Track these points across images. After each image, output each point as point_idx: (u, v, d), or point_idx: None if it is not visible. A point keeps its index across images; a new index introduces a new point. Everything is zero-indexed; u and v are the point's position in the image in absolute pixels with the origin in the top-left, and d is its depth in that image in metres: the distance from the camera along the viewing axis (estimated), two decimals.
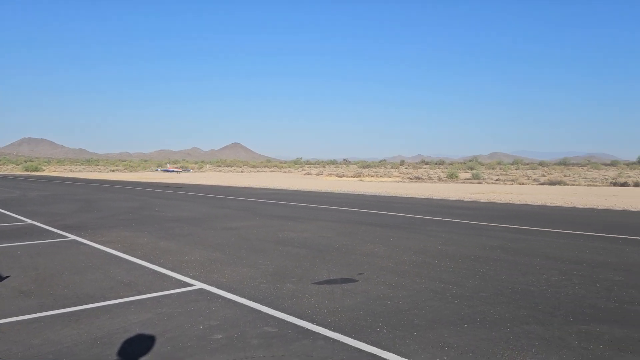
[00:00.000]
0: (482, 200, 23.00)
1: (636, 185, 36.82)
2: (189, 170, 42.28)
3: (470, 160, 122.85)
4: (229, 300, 6.09)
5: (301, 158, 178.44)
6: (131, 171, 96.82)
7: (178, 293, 6.44)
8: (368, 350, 4.44)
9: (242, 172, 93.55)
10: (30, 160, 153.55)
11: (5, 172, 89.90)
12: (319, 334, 4.88)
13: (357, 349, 4.49)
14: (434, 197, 25.24)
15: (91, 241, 10.73)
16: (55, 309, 5.70)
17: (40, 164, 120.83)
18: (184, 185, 40.04)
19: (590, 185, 38.82)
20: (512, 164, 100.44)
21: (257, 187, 36.93)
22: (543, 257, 8.78)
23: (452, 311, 5.62)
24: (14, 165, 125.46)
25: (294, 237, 11.21)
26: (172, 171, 31.55)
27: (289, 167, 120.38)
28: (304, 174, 75.06)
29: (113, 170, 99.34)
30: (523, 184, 42.09)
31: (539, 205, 20.25)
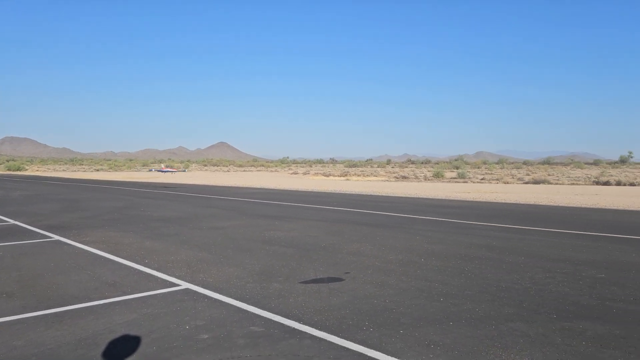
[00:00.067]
0: (467, 199, 23.18)
1: (618, 184, 37.41)
2: (184, 171, 41.97)
3: (456, 160, 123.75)
4: (215, 300, 6.07)
5: (288, 157, 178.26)
6: (116, 171, 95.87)
7: (164, 293, 6.40)
8: (355, 349, 4.45)
9: (228, 171, 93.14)
10: (13, 160, 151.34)
11: None
12: (305, 333, 4.88)
13: (344, 347, 4.50)
14: (420, 196, 25.38)
15: (75, 241, 10.61)
16: (39, 310, 5.63)
17: (23, 164, 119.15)
18: (170, 184, 39.76)
19: (573, 184, 39.34)
20: (497, 163, 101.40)
21: (244, 186, 36.82)
22: (527, 256, 8.88)
23: (438, 309, 5.66)
24: None
25: (280, 237, 11.19)
26: (167, 171, 31.22)
27: (276, 166, 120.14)
28: (291, 174, 75.00)
29: (97, 170, 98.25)
30: (508, 183, 42.52)
31: (524, 204, 20.47)
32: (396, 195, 26.62)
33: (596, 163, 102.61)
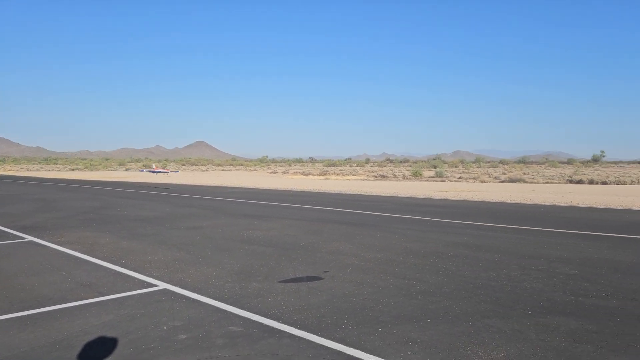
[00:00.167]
0: (445, 198, 23.44)
1: (591, 182, 38.26)
2: (177, 171, 41.33)
3: (434, 159, 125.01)
4: (194, 300, 6.03)
5: (267, 156, 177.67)
6: (92, 170, 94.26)
7: (141, 294, 6.32)
8: (334, 348, 4.47)
9: (207, 170, 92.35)
10: None
11: None
12: (284, 332, 4.88)
13: (323, 346, 4.51)
14: (399, 195, 25.56)
15: (50, 242, 10.41)
16: (12, 313, 5.52)
17: None
18: (147, 184, 39.28)
19: (548, 182, 40.09)
20: (474, 163, 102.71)
21: (223, 185, 36.58)
22: (504, 253, 9.03)
23: (416, 307, 5.71)
24: None
25: (259, 236, 11.16)
26: (159, 172, 30.69)
27: (255, 165, 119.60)
28: (270, 173, 74.78)
29: (73, 170, 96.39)
30: (484, 181, 43.11)
31: (500, 203, 20.79)
32: (375, 194, 26.77)
33: (570, 162, 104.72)
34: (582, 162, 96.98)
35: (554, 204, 20.04)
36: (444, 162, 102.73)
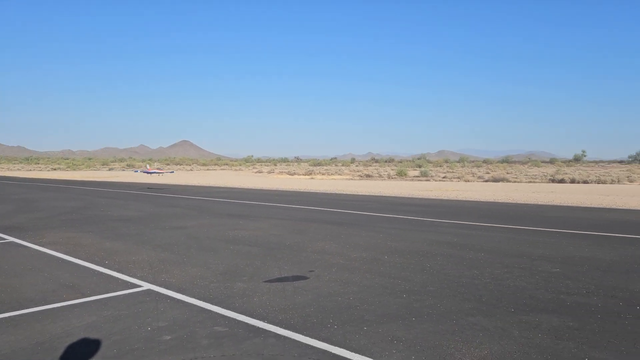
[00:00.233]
0: (430, 197, 23.60)
1: (572, 181, 38.82)
2: (172, 172, 40.70)
3: (418, 158, 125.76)
4: (178, 300, 5.99)
5: (252, 156, 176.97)
6: (75, 170, 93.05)
7: (125, 294, 6.27)
8: (319, 347, 4.48)
9: (191, 170, 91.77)
10: None
11: None
12: (270, 332, 4.88)
13: (309, 345, 4.52)
14: (384, 195, 25.67)
15: (31, 243, 10.26)
16: None
17: None
18: (129, 183, 38.89)
19: (530, 182, 40.57)
20: (458, 162, 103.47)
21: (207, 185, 36.38)
22: (487, 252, 9.12)
23: (401, 306, 5.75)
24: None
25: (245, 236, 11.13)
26: (154, 172, 30.16)
27: (240, 165, 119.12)
28: (255, 172, 74.53)
29: (55, 169, 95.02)
30: (468, 181, 43.49)
31: (484, 202, 21.00)
32: (360, 193, 26.85)
33: (552, 161, 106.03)
34: (564, 162, 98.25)
35: (536, 203, 20.30)
36: (429, 162, 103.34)
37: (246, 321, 5.19)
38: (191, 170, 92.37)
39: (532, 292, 6.34)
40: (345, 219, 14.41)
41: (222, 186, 35.09)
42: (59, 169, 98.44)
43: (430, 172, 57.24)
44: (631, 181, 38.66)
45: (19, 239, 10.81)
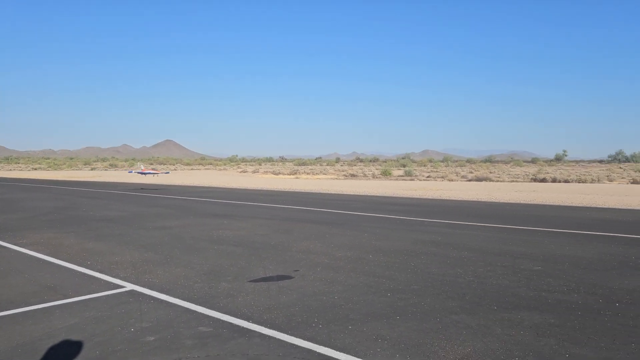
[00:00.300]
0: (414, 197, 23.74)
1: (554, 180, 39.37)
2: (168, 172, 40.08)
3: (403, 158, 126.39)
4: (162, 301, 5.95)
5: (237, 155, 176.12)
6: (56, 170, 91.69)
7: (107, 295, 6.21)
8: (304, 346, 4.49)
9: (175, 170, 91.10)
10: None
11: None
12: (254, 331, 4.87)
13: (293, 345, 4.52)
14: (369, 194, 25.76)
15: (12, 244, 10.10)
16: None
17: None
18: (111, 183, 38.49)
19: (513, 181, 41.05)
20: (442, 162, 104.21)
21: (192, 185, 36.13)
22: (470, 250, 9.21)
23: (386, 304, 5.78)
24: None
25: (229, 236, 11.08)
26: (148, 173, 29.61)
27: (225, 164, 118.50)
28: (240, 172, 74.20)
29: (36, 169, 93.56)
30: (452, 180, 43.84)
31: (467, 201, 21.19)
32: (345, 193, 26.90)
33: (534, 161, 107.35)
34: (546, 161, 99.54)
35: (519, 202, 20.54)
36: (413, 161, 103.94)
37: (231, 321, 5.18)
38: (175, 170, 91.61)
39: (514, 290, 6.43)
40: (330, 219, 14.43)
41: (207, 186, 34.89)
42: (40, 168, 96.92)
43: (414, 171, 57.58)
44: (610, 180, 39.34)
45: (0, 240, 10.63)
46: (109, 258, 8.59)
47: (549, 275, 7.19)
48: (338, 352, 4.34)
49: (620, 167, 66.09)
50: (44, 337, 4.73)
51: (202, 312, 5.50)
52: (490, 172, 53.42)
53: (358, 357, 4.25)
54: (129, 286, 6.64)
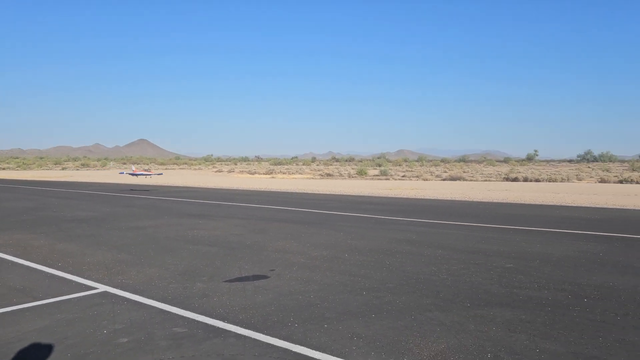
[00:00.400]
0: (389, 196, 23.93)
1: (525, 180, 40.17)
2: (161, 174, 39.19)
3: (378, 157, 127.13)
4: (136, 302, 5.87)
5: (212, 155, 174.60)
6: (25, 169, 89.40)
7: (79, 297, 6.09)
8: (280, 345, 4.49)
9: (149, 169, 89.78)
10: None
11: None
12: (230, 331, 4.85)
13: (269, 344, 4.52)
14: (345, 193, 25.86)
15: None
16: None
17: None
18: (82, 183, 37.75)
19: (486, 180, 41.73)
20: (417, 161, 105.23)
21: (166, 185, 35.69)
22: (444, 248, 9.34)
23: (361, 303, 5.82)
24: None
25: (204, 236, 10.99)
26: (140, 174, 28.84)
27: (200, 164, 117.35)
28: (215, 172, 73.59)
29: (4, 169, 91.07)
30: (427, 179, 44.32)
31: (441, 200, 21.46)
32: (321, 192, 26.94)
33: (506, 161, 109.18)
34: (518, 161, 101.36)
35: (491, 200, 20.90)
36: (388, 161, 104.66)
37: (206, 321, 5.14)
38: (149, 169, 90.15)
39: (487, 287, 6.54)
40: (306, 218, 14.44)
41: (182, 186, 34.52)
42: (9, 168, 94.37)
43: (389, 171, 58.01)
44: (579, 179, 40.35)
45: None
46: (81, 259, 8.43)
47: (520, 273, 7.35)
48: (314, 351, 4.35)
49: (589, 167, 67.82)
50: (12, 341, 4.62)
51: (177, 312, 5.44)
52: (464, 172, 54.20)
53: (334, 355, 4.27)
54: (102, 287, 6.53)
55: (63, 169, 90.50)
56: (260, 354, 4.31)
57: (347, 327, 4.96)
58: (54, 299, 6.02)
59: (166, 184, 35.90)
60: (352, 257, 8.57)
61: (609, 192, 24.89)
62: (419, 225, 12.72)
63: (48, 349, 4.43)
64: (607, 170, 52.97)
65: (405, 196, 23.70)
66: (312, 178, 50.56)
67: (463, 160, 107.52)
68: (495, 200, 20.84)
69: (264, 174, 62.68)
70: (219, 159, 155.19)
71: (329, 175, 55.39)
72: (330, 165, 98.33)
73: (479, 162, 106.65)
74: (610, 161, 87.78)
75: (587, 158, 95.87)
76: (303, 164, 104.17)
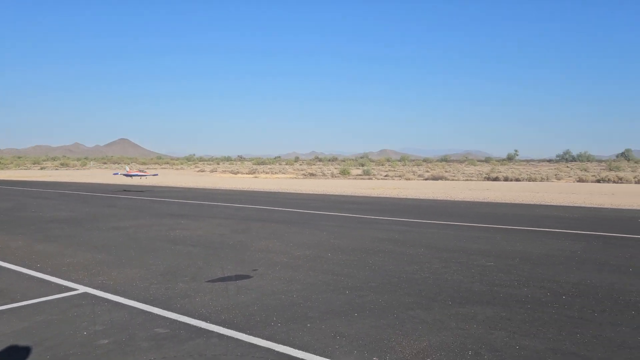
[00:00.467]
0: (372, 195, 24.02)
1: (506, 179, 40.70)
2: (157, 174, 38.63)
3: (361, 157, 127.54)
4: (116, 303, 5.80)
5: (194, 155, 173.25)
6: (2, 169, 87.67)
7: (58, 299, 6.00)
8: (262, 345, 4.48)
9: (130, 169, 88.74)
10: None
11: None
12: (212, 332, 4.83)
13: (252, 344, 4.51)
14: (328, 193, 25.89)
15: None
16: None
17: None
18: (62, 183, 37.17)
19: (467, 180, 42.16)
20: (399, 161, 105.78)
21: (148, 184, 35.32)
22: (426, 247, 9.42)
23: (344, 302, 5.84)
24: None
25: (187, 236, 10.92)
26: (135, 175, 28.34)
27: (182, 164, 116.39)
28: (198, 171, 73.04)
29: None
30: (409, 179, 44.61)
31: (424, 199, 21.62)
32: (304, 192, 26.93)
33: (487, 160, 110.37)
34: (498, 161, 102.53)
35: (473, 200, 21.12)
36: (371, 161, 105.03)
37: (188, 322, 5.11)
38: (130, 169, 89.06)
39: (468, 285, 6.62)
40: (289, 218, 14.43)
41: (164, 185, 34.19)
42: None
43: (372, 170, 58.25)
44: (559, 179, 41.01)
45: None
46: (60, 260, 8.31)
47: (500, 271, 7.44)
48: (297, 350, 4.35)
49: (567, 167, 68.94)
50: None
51: (159, 313, 5.40)
52: (446, 171, 54.67)
53: (317, 354, 4.28)
54: (82, 288, 6.45)
55: (42, 168, 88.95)
56: (243, 354, 4.29)
57: (330, 326, 4.97)
58: (33, 300, 5.92)
59: (148, 184, 35.52)
60: (335, 256, 8.59)
61: (587, 192, 25.35)
62: (402, 225, 12.80)
63: (26, 351, 4.36)
64: (585, 170, 53.93)
65: (387, 196, 23.82)
66: (295, 178, 50.52)
67: (445, 160, 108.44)
68: (476, 200, 21.07)
69: (246, 173, 62.43)
70: (201, 159, 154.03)
71: (312, 175, 55.39)
72: (314, 165, 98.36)
73: (460, 161, 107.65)
74: (588, 161, 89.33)
75: (565, 158, 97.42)
76: (286, 164, 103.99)
